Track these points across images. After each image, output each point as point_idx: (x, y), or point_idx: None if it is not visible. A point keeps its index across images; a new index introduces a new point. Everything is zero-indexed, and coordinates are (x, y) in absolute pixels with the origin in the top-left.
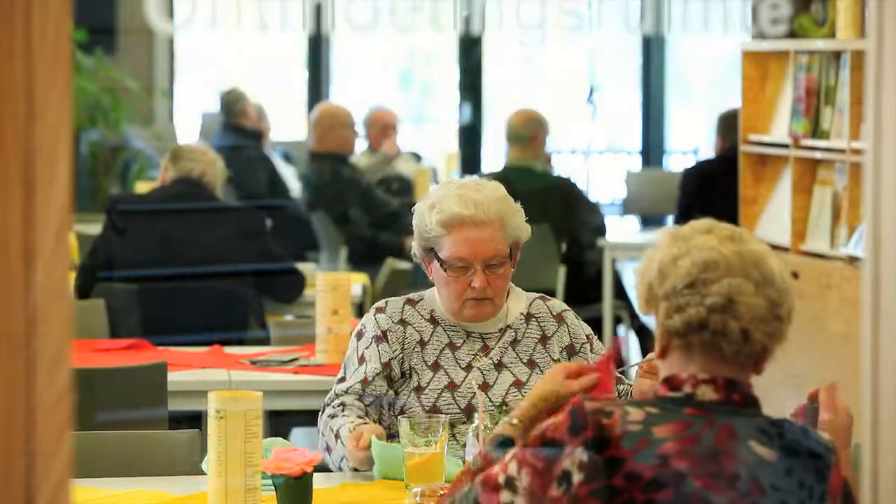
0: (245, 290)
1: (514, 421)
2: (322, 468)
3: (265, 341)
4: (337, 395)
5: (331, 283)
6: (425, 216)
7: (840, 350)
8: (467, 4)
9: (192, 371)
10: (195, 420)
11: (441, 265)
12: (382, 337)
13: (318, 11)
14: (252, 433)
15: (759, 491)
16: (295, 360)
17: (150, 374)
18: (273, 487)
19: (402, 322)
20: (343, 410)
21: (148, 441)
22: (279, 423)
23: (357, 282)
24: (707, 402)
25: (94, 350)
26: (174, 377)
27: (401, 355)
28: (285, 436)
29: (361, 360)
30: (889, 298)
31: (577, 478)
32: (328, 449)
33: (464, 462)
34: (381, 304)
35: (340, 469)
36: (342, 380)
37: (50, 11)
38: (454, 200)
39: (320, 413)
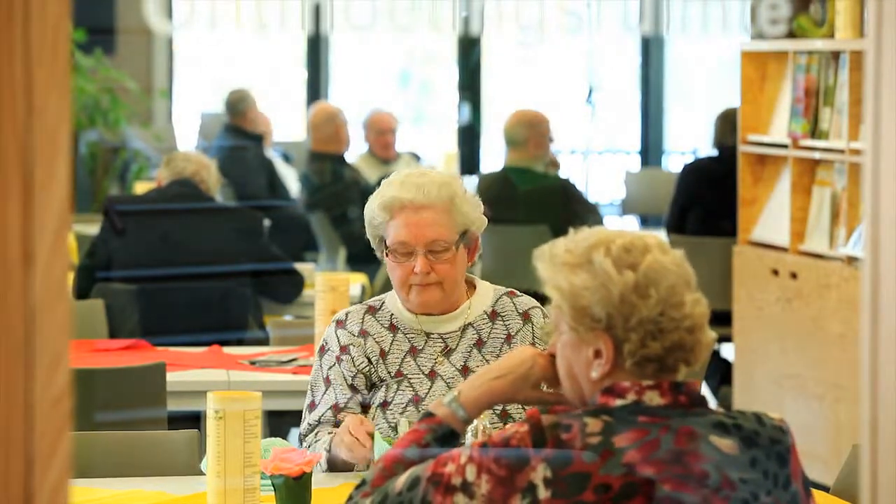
0: (244, 290)
1: (462, 413)
2: None
3: (264, 342)
4: (311, 426)
5: (330, 284)
6: (371, 205)
7: (839, 350)
8: (466, 5)
9: (190, 371)
10: (194, 420)
11: (386, 252)
12: (345, 351)
13: (317, 12)
14: (251, 433)
15: (729, 486)
16: (294, 360)
17: (149, 374)
18: (272, 487)
19: (363, 334)
20: (316, 437)
21: (147, 441)
22: (278, 423)
23: (356, 282)
24: (655, 406)
25: (93, 350)
26: (173, 377)
27: (367, 367)
28: (284, 436)
29: (327, 381)
30: (888, 299)
31: (545, 494)
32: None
33: None
34: (341, 315)
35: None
36: (312, 405)
37: (49, 11)
38: (396, 186)
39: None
